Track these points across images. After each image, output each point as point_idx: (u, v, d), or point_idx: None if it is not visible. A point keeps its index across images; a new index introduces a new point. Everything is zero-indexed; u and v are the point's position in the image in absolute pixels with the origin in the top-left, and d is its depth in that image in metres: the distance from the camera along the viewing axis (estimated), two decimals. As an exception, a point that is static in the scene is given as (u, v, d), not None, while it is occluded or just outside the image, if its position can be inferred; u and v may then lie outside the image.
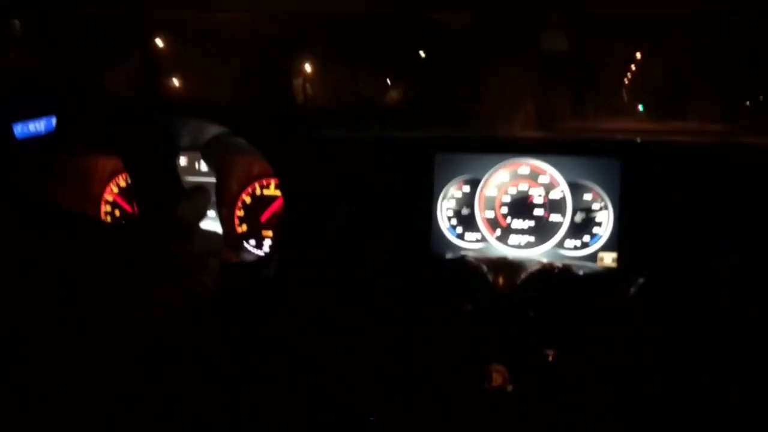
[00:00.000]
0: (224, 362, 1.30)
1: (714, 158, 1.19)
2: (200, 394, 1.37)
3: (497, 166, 1.22)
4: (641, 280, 1.00)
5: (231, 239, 1.39)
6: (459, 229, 1.24)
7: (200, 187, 0.87)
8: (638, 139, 1.13)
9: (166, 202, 0.77)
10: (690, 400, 1.04)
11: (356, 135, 1.41)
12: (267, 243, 1.38)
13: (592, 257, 1.17)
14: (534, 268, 1.05)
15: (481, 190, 1.22)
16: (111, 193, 1.53)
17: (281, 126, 1.27)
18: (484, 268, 1.05)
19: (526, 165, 1.21)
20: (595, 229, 1.17)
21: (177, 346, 1.19)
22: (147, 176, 0.85)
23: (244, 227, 1.40)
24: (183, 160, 1.45)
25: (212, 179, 1.39)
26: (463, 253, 1.13)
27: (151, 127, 0.86)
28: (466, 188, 1.24)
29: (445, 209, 1.24)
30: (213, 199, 1.43)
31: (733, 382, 1.00)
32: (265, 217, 1.39)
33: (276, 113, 1.29)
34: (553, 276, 1.02)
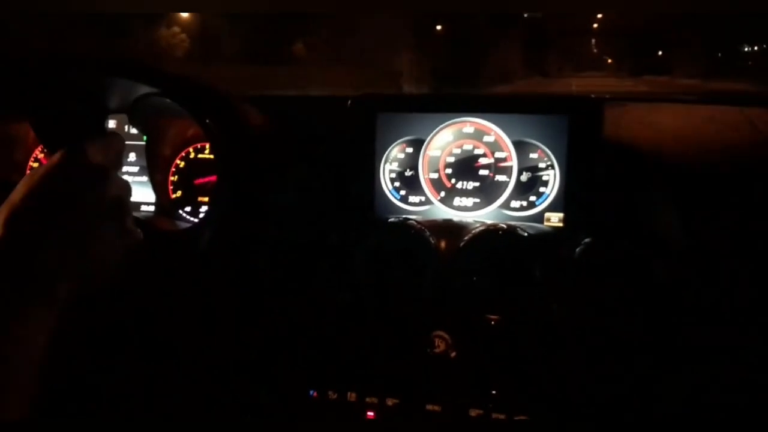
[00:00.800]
0: (157, 335, 1.21)
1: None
2: (127, 365, 1.27)
3: (441, 126, 1.16)
4: (587, 240, 0.95)
5: (164, 206, 1.30)
6: (402, 192, 1.18)
7: (112, 132, 0.86)
8: (583, 95, 1.08)
9: (75, 147, 0.74)
10: (633, 364, 1.00)
11: (292, 94, 1.34)
12: (203, 210, 1.29)
13: (539, 217, 1.12)
14: (478, 229, 0.99)
15: (425, 151, 1.16)
16: (36, 160, 1.42)
17: (212, 86, 1.18)
18: (427, 231, 0.98)
19: (470, 124, 1.15)
20: (542, 189, 1.12)
21: (109, 310, 1.09)
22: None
23: (179, 193, 1.31)
24: (112, 123, 1.34)
25: (142, 143, 1.29)
26: (405, 216, 1.06)
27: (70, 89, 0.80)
28: (410, 149, 1.17)
29: (387, 171, 1.17)
30: (144, 164, 1.40)
31: (680, 345, 0.96)
32: (199, 181, 1.30)
33: (206, 73, 1.20)
34: (497, 237, 0.96)
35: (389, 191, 1.19)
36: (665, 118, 1.16)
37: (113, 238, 0.76)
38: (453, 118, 1.19)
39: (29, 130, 1.33)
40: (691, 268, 0.93)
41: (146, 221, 1.22)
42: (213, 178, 1.29)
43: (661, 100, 1.32)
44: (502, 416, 1.01)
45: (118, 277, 0.78)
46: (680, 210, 1.00)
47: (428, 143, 1.17)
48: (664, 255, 0.93)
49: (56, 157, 0.74)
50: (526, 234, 1.00)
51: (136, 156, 1.37)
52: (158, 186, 1.32)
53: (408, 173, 1.18)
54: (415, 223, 1.03)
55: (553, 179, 1.12)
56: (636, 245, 0.95)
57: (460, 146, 1.17)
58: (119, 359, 1.27)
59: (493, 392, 1.02)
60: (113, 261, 0.76)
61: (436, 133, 1.17)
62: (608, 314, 0.94)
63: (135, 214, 1.30)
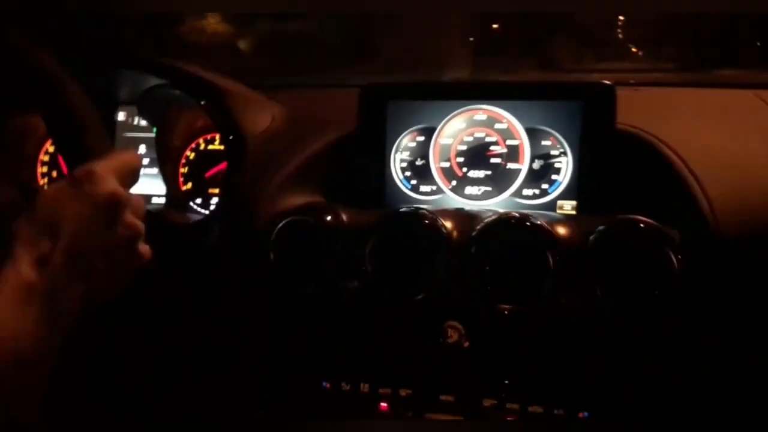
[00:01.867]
0: (167, 327, 1.21)
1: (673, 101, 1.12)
2: (138, 358, 1.28)
3: (452, 114, 1.14)
4: (601, 228, 0.93)
5: (175, 198, 1.29)
6: (413, 181, 1.16)
7: (129, 151, 0.81)
8: (597, 81, 1.05)
9: (84, 174, 0.68)
10: (647, 356, 0.98)
11: (301, 82, 1.33)
12: (214, 201, 1.29)
13: (551, 205, 1.10)
14: (490, 218, 0.97)
15: (436, 140, 1.14)
16: (47, 153, 1.42)
17: (221, 76, 1.17)
18: (439, 219, 0.97)
19: (482, 112, 1.13)
20: (554, 176, 1.10)
21: (119, 310, 1.09)
22: (72, 135, 0.78)
23: (189, 185, 1.30)
24: (121, 115, 1.34)
25: (151, 135, 1.28)
26: (417, 205, 1.05)
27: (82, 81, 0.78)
28: (421, 138, 1.16)
29: (398, 161, 1.16)
30: (154, 156, 1.39)
31: (696, 336, 0.94)
32: (210, 173, 1.29)
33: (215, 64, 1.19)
34: (510, 225, 0.95)
35: (400, 181, 1.18)
36: (681, 104, 1.13)
37: (125, 265, 0.73)
38: (464, 106, 1.18)
39: (40, 124, 1.32)
40: (709, 259, 0.91)
41: (157, 214, 1.21)
42: (223, 166, 1.28)
43: (676, 85, 1.29)
44: (515, 406, 1.00)
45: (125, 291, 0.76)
46: (696, 199, 0.98)
47: (439, 131, 1.15)
48: (680, 245, 0.91)
49: (65, 188, 0.67)
50: (538, 222, 0.98)
51: (146, 148, 1.37)
52: (168, 178, 1.32)
53: (419, 162, 1.17)
54: (426, 212, 1.02)
55: (565, 167, 1.10)
56: (651, 234, 0.93)
57: (472, 134, 1.15)
58: (132, 355, 1.27)
59: (506, 382, 1.00)
60: (122, 282, 0.74)
61: (448, 121, 1.15)
62: (622, 304, 0.93)
63: (146, 206, 1.30)
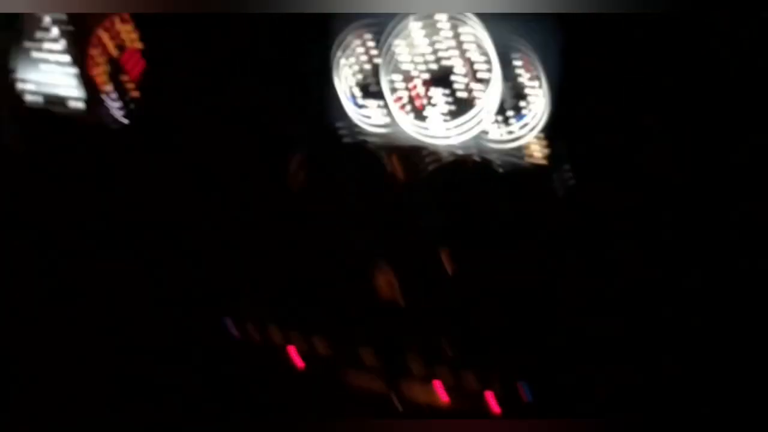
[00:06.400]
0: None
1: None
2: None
3: (408, 14, 0.87)
4: (572, 182, 0.74)
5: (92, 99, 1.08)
6: (362, 102, 0.94)
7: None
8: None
9: None
10: (605, 326, 0.85)
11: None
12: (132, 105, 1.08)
13: (520, 153, 0.88)
14: (445, 159, 0.77)
15: (388, 42, 0.89)
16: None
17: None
18: (383, 156, 0.78)
19: (446, 17, 0.86)
20: (524, 108, 0.86)
21: None
22: None
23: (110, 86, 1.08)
24: None
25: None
26: (364, 138, 0.84)
27: None
28: (369, 37, 0.90)
29: (343, 68, 0.92)
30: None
31: (658, 301, 0.80)
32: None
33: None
34: (466, 170, 0.75)
35: (348, 99, 0.96)
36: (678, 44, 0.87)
37: None
38: (424, 7, 0.89)
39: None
40: (690, 218, 0.74)
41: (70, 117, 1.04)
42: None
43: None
44: (444, 369, 0.91)
45: None
46: (682, 149, 0.79)
47: (391, 32, 0.90)
48: (660, 203, 0.73)
49: None
50: (501, 170, 0.79)
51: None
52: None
53: (367, 79, 0.94)
54: (372, 148, 0.82)
55: (540, 99, 0.87)
56: (629, 190, 0.74)
57: (432, 45, 0.90)
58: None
59: (441, 343, 0.90)
60: None
61: (402, 19, 0.89)
62: (585, 268, 0.78)
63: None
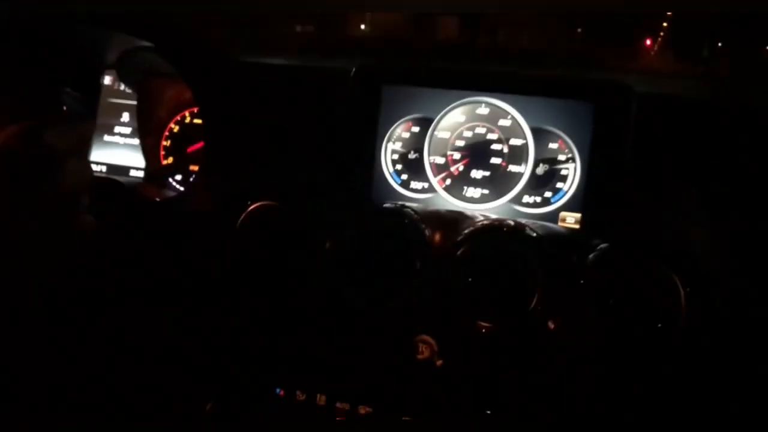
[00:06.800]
0: (120, 311, 1.10)
1: (711, 114, 0.97)
2: (86, 345, 1.17)
3: (452, 105, 1.00)
4: (603, 246, 0.78)
5: (154, 173, 1.18)
6: (404, 176, 1.02)
7: (81, 116, 0.84)
8: (614, 80, 0.90)
9: (30, 129, 0.66)
10: (636, 387, 0.83)
11: (291, 63, 1.21)
12: (192, 179, 1.17)
13: (553, 216, 0.94)
14: (480, 224, 0.83)
15: (432, 132, 1.00)
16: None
17: (206, 46, 1.06)
18: (423, 221, 0.83)
19: (485, 105, 0.99)
20: (559, 184, 0.95)
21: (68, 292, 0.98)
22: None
23: (170, 160, 1.19)
24: (107, 79, 1.23)
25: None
26: (403, 203, 0.91)
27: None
28: (416, 129, 1.02)
29: (389, 152, 1.02)
30: (135, 125, 1.31)
31: (697, 369, 0.79)
32: (192, 149, 1.18)
33: (206, 33, 1.09)
34: (501, 234, 0.80)
35: (389, 174, 1.04)
36: (704, 117, 0.97)
37: (61, 229, 0.70)
38: (466, 97, 1.09)
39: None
40: (718, 289, 0.75)
41: (131, 188, 1.12)
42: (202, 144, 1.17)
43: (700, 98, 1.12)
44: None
45: (70, 261, 0.73)
46: (711, 223, 0.83)
47: (437, 123, 1.01)
48: (689, 273, 0.76)
49: (8, 135, 0.65)
50: (534, 234, 0.84)
51: (130, 116, 1.26)
52: (149, 150, 1.21)
53: (412, 156, 1.03)
54: (410, 211, 0.88)
55: (572, 174, 0.95)
56: (658, 258, 0.77)
57: (472, 129, 1.01)
58: (78, 341, 1.16)
59: (478, 408, 0.86)
60: (58, 251, 0.71)
61: (447, 112, 1.01)
62: (616, 335, 0.77)
63: (121, 179, 1.19)
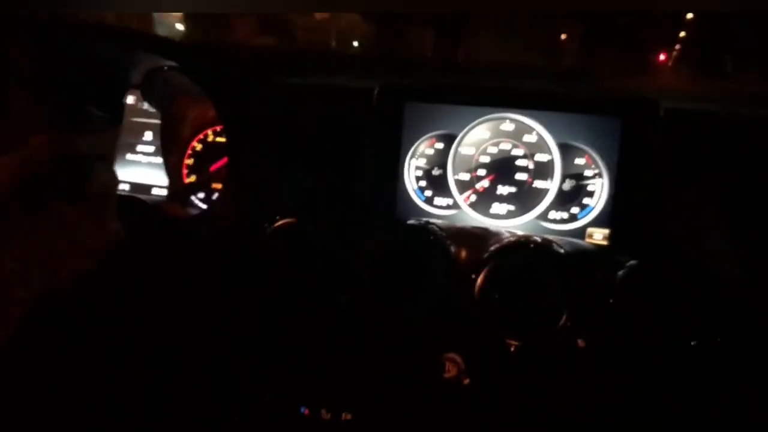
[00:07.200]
0: (147, 324, 1.10)
1: (738, 129, 0.96)
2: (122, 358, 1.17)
3: (476, 121, 1.00)
4: (632, 263, 0.77)
5: (177, 191, 1.18)
6: (428, 193, 1.02)
7: (109, 123, 0.81)
8: (640, 95, 0.90)
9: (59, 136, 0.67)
10: (667, 402, 0.81)
11: (314, 81, 1.22)
12: (216, 197, 1.17)
13: (580, 233, 0.94)
14: (506, 241, 0.82)
15: (456, 148, 1.00)
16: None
17: (231, 66, 1.07)
18: (448, 238, 0.83)
19: (510, 121, 0.98)
20: (586, 200, 0.94)
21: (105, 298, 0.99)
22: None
23: (193, 178, 1.20)
24: (130, 99, 1.25)
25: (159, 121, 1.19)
26: (427, 219, 0.91)
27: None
28: (440, 145, 1.02)
29: (413, 168, 1.02)
30: (159, 143, 1.32)
31: (731, 386, 0.77)
32: (215, 167, 1.18)
33: (229, 52, 1.10)
34: (527, 251, 0.80)
35: (413, 191, 1.04)
36: (730, 131, 0.96)
37: (90, 233, 0.71)
38: (490, 113, 1.09)
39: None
40: (748, 305, 0.74)
41: (154, 206, 1.12)
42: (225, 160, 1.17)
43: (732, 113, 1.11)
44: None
45: (98, 269, 0.72)
46: (740, 237, 0.82)
47: (461, 139, 1.01)
48: (719, 289, 0.74)
49: (38, 142, 0.67)
50: (562, 251, 0.83)
51: (153, 135, 1.27)
52: (172, 168, 1.22)
53: (436, 172, 1.03)
54: (435, 228, 0.87)
55: (599, 190, 0.94)
56: (688, 273, 0.76)
57: (497, 145, 1.01)
58: (117, 351, 1.16)
59: (510, 428, 0.85)
60: (88, 256, 0.71)
61: (471, 128, 1.01)
62: (646, 352, 0.76)
63: (144, 197, 1.20)
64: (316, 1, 1.35)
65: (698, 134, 0.96)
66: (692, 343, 0.79)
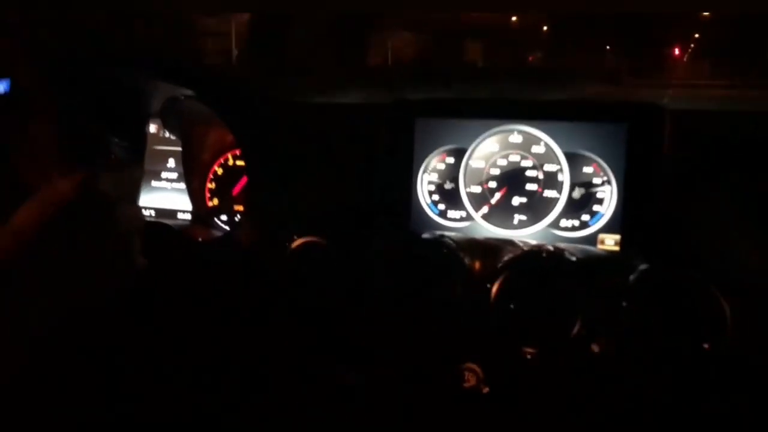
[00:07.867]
0: (184, 344, 1.15)
1: (747, 128, 0.97)
2: (160, 375, 1.22)
3: (485, 134, 1.03)
4: (644, 267, 0.80)
5: (201, 214, 1.24)
6: (441, 206, 1.06)
7: (131, 162, 0.82)
8: (645, 101, 0.92)
9: (85, 177, 0.68)
10: (684, 408, 0.83)
11: (326, 100, 1.26)
12: (238, 219, 1.23)
13: (592, 239, 0.96)
14: (519, 250, 0.85)
15: (467, 162, 1.04)
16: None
17: (243, 89, 1.12)
18: (461, 250, 0.86)
19: (518, 133, 1.02)
20: (596, 207, 0.97)
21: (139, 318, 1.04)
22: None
23: (216, 201, 1.25)
24: (152, 127, 1.31)
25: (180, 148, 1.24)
26: (441, 232, 0.94)
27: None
28: (450, 159, 1.05)
29: (425, 183, 1.06)
30: (181, 170, 1.38)
31: (745, 390, 0.79)
32: (237, 190, 1.24)
33: (240, 75, 1.15)
34: (540, 260, 0.83)
35: (427, 205, 1.07)
36: (740, 131, 0.97)
37: (117, 270, 0.72)
38: (498, 126, 1.11)
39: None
40: (763, 305, 0.76)
41: (180, 230, 1.17)
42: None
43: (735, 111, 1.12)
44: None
45: (121, 301, 0.74)
46: (753, 239, 0.83)
47: (470, 153, 1.05)
48: (733, 290, 0.76)
49: (62, 181, 0.67)
50: (574, 258, 0.86)
51: (175, 162, 1.33)
52: (195, 193, 1.27)
53: (448, 186, 1.06)
54: (449, 241, 0.91)
55: (609, 197, 0.97)
56: (701, 276, 0.78)
57: (506, 157, 1.04)
58: (147, 370, 1.22)
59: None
60: (113, 290, 0.72)
61: (480, 142, 1.05)
62: (661, 356, 0.78)
63: (169, 222, 1.26)
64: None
65: (707, 136, 0.97)
66: (705, 346, 0.81)
